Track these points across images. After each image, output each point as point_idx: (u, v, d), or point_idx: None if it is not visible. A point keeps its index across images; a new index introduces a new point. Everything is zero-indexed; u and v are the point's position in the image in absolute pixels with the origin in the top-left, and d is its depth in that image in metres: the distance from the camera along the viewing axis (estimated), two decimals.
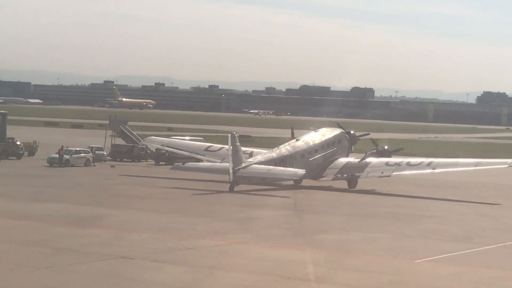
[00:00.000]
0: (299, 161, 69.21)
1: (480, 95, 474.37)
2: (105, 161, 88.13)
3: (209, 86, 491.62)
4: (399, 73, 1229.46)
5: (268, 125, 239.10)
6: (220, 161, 72.71)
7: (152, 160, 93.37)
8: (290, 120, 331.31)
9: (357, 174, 68.40)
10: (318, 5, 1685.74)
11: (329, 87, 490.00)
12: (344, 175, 68.90)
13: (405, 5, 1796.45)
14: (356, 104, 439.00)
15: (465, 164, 68.24)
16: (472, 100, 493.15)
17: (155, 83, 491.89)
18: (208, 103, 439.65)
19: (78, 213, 48.45)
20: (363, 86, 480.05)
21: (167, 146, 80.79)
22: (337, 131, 74.84)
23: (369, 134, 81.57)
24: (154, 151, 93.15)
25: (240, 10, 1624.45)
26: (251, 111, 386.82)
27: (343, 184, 69.44)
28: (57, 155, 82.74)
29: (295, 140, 71.71)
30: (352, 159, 71.61)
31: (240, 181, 64.10)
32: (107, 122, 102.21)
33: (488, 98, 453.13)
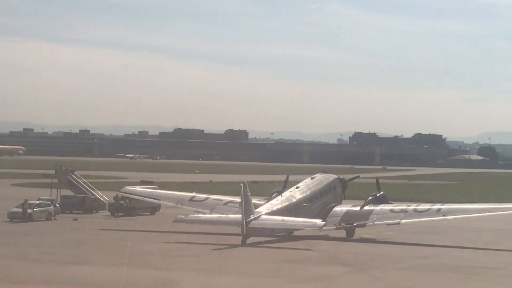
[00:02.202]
0: (302, 210, 66.41)
1: (351, 135, 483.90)
2: (58, 214, 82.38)
3: (80, 130, 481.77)
4: (272, 115, 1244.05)
5: (150, 170, 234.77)
6: (209, 211, 69.24)
7: (104, 211, 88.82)
8: (165, 163, 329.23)
9: (362, 222, 65.99)
10: (180, 49, 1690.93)
11: (203, 130, 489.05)
12: (349, 224, 66.32)
13: (268, 48, 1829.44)
14: (231, 146, 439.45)
15: (478, 210, 66.39)
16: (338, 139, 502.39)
17: (24, 129, 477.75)
18: (80, 148, 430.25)
19: (141, 278, 43.84)
20: (237, 129, 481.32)
21: (148, 197, 76.13)
22: (331, 177, 72.50)
23: (358, 176, 79.88)
24: (108, 202, 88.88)
25: (102, 55, 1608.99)
26: (127, 155, 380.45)
27: (338, 233, 66.89)
28: (19, 210, 76.84)
29: (294, 187, 68.81)
30: (349, 206, 69.22)
31: (252, 233, 60.68)
32: (53, 171, 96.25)
33: (360, 139, 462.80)
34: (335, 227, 66.21)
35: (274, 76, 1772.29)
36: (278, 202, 65.83)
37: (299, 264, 50.46)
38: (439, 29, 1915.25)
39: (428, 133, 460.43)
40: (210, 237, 63.63)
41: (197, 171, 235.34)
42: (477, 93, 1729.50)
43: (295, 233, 65.71)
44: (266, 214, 62.71)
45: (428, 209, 65.60)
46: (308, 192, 68.31)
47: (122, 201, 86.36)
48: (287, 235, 64.59)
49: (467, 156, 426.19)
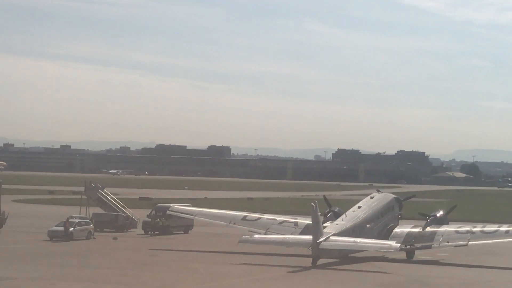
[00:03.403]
0: (365, 231, 64.58)
1: (334, 152, 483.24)
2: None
3: (61, 146, 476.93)
4: (252, 132, 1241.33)
5: (138, 186, 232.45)
6: (264, 231, 67.22)
7: (135, 229, 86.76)
8: (150, 179, 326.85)
9: (427, 244, 64.14)
10: (158, 65, 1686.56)
11: (185, 146, 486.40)
12: (414, 245, 64.38)
13: (246, 65, 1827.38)
14: (214, 162, 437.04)
15: None
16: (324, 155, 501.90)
17: (4, 144, 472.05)
18: (62, 164, 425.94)
19: None
20: (220, 145, 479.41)
21: (199, 216, 73.78)
22: (389, 196, 70.68)
23: (414, 196, 78.25)
24: (139, 220, 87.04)
25: (82, 70, 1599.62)
26: (111, 171, 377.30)
27: (395, 255, 64.84)
28: (61, 228, 74.45)
29: (356, 207, 66.93)
30: (409, 227, 67.38)
31: (323, 254, 58.73)
32: (82, 189, 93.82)
33: (343, 155, 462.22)
34: (399, 248, 64.09)
35: (252, 93, 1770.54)
36: (344, 222, 63.84)
37: None
38: (414, 47, 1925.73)
39: (411, 150, 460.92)
40: (275, 259, 61.62)
41: (186, 187, 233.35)
42: (453, 110, 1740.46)
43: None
44: (335, 235, 60.71)
45: (496, 231, 63.78)
46: (370, 212, 66.47)
47: (158, 219, 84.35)
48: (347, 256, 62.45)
49: (450, 173, 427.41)
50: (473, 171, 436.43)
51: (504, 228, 63.90)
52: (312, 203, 59.03)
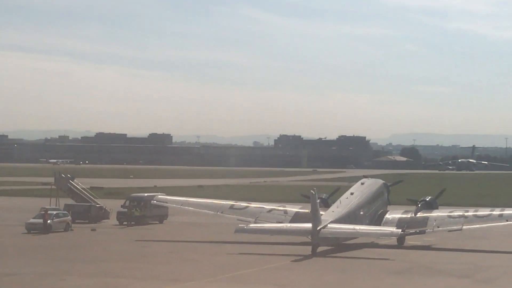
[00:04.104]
0: (359, 217, 63.84)
1: (276, 138, 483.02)
2: None
3: None
4: (189, 119, 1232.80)
5: (81, 175, 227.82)
6: (253, 220, 65.99)
7: (108, 220, 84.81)
8: (93, 168, 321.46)
9: (421, 229, 63.58)
10: (93, 53, 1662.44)
11: (125, 134, 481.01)
12: (410, 231, 63.68)
13: (181, 52, 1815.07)
14: (156, 150, 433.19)
15: None
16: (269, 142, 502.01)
17: None
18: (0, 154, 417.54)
19: None
20: (161, 132, 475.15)
21: (185, 206, 71.99)
22: (379, 182, 69.95)
23: (402, 181, 77.70)
24: (111, 210, 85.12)
25: (15, 58, 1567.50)
26: (50, 160, 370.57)
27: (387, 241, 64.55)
28: (39, 220, 72.18)
29: (349, 193, 66.04)
30: (400, 213, 66.77)
31: (322, 242, 57.83)
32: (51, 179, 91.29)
33: (285, 141, 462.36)
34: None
35: (188, 80, 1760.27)
36: (339, 209, 62.90)
37: (411, 276, 47.58)
38: (349, 32, 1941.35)
39: (352, 135, 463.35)
40: (270, 248, 60.52)
41: (131, 176, 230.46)
42: (388, 95, 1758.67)
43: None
44: (332, 222, 59.78)
45: (489, 214, 63.50)
46: (362, 198, 65.65)
47: (134, 210, 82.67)
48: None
49: (392, 157, 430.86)
50: (413, 155, 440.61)
51: (496, 212, 63.65)
52: (312, 190, 58.09)
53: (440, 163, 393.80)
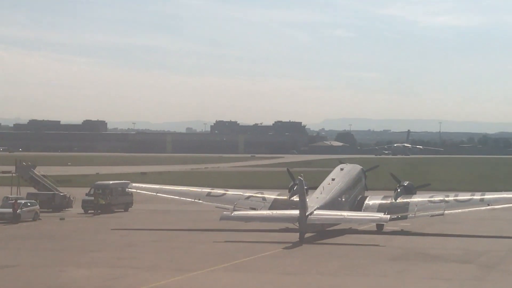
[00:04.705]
0: (342, 203, 63.38)
1: (212, 124, 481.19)
2: None
3: None
4: (124, 105, 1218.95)
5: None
6: (232, 207, 65.05)
7: (71, 208, 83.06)
8: (27, 156, 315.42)
9: (403, 214, 63.26)
10: (22, 39, 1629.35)
11: (59, 121, 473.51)
12: (392, 216, 63.11)
13: (112, 37, 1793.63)
14: (90, 137, 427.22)
15: None
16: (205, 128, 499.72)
17: None
18: None
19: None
20: (95, 119, 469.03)
21: (161, 193, 70.53)
22: (357, 168, 69.57)
23: (378, 166, 77.40)
24: (77, 199, 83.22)
25: None
26: None
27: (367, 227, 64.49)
28: (9, 210, 70.15)
29: (330, 179, 65.40)
30: (380, 198, 66.48)
31: (309, 229, 57.21)
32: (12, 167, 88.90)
33: (221, 127, 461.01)
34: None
35: (120, 66, 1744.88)
36: (323, 195, 62.23)
37: (415, 262, 47.01)
38: (281, 19, 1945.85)
39: (288, 121, 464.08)
40: (254, 235, 59.71)
41: (69, 164, 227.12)
42: (320, 81, 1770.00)
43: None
44: (318, 208, 59.16)
45: (470, 199, 63.50)
46: (343, 184, 65.19)
47: (100, 198, 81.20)
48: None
49: (328, 143, 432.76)
50: (349, 140, 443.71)
51: (477, 196, 63.60)
52: (299, 177, 57.40)
53: (376, 147, 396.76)
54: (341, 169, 67.66)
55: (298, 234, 56.01)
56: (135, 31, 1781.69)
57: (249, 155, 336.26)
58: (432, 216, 63.00)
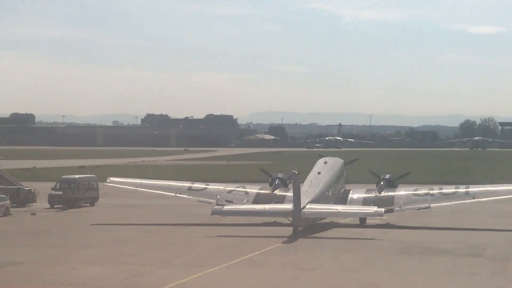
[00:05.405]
0: (329, 197, 62.87)
1: (143, 117, 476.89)
2: None
3: None
4: (62, 98, 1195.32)
5: None
6: (215, 201, 64.18)
7: (35, 203, 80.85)
8: None
9: (389, 207, 62.92)
10: None
11: None
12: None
13: (41, 31, 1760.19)
14: (17, 131, 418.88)
15: (507, 192, 64.87)
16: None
17: None
18: None
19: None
20: (23, 112, 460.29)
21: (142, 188, 69.03)
22: (340, 161, 69.03)
23: (357, 159, 77.01)
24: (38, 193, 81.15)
25: None
26: None
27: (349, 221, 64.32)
28: None
29: (317, 173, 64.72)
30: (364, 191, 66.14)
31: (303, 223, 56.55)
32: None
33: (152, 120, 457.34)
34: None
35: (49, 59, 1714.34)
36: (312, 188, 61.48)
37: (420, 256, 46.79)
38: (209, 11, 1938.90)
39: (219, 114, 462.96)
40: (245, 230, 58.78)
41: (1, 157, 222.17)
42: (247, 74, 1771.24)
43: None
44: (310, 202, 58.50)
45: (455, 192, 63.57)
46: (329, 178, 64.63)
47: (69, 192, 79.24)
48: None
49: (260, 136, 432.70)
50: (280, 133, 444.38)
51: (462, 189, 63.67)
52: (294, 171, 56.63)
53: (308, 140, 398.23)
54: (325, 162, 67.09)
55: (285, 228, 55.71)
56: (64, 24, 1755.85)
57: (182, 149, 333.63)
58: (418, 209, 62.87)
